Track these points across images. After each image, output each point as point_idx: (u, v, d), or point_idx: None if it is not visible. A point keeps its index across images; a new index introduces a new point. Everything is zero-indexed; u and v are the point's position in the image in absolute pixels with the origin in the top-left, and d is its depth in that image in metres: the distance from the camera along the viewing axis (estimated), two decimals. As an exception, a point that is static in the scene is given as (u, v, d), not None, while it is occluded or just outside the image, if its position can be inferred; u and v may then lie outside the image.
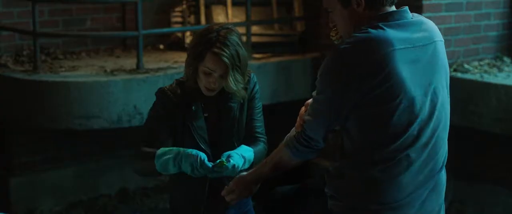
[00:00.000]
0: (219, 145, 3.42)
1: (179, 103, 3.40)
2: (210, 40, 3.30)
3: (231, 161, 3.25)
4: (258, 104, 3.56)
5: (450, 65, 6.35)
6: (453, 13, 6.34)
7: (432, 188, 2.78)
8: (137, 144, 3.44)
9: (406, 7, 2.78)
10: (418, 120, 2.66)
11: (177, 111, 3.41)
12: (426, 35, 2.74)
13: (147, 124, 3.50)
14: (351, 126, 2.68)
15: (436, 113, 2.71)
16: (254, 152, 3.40)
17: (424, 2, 6.01)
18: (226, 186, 3.16)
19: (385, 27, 2.66)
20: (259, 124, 3.54)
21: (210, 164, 3.24)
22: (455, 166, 6.45)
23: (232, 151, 3.34)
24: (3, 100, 6.01)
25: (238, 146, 3.44)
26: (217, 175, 3.26)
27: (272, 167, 2.98)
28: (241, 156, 3.33)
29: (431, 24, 2.82)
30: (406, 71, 2.61)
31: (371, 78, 2.58)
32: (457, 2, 6.36)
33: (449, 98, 2.84)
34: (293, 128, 2.91)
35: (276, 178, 3.08)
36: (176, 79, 3.50)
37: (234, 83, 3.30)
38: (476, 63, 6.51)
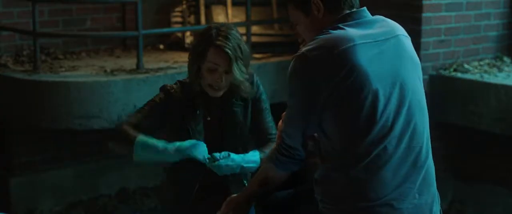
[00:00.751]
0: (221, 150, 3.42)
1: (181, 102, 3.41)
2: (211, 36, 3.34)
3: (222, 161, 3.32)
4: (266, 106, 3.57)
5: (450, 65, 6.35)
6: (453, 13, 6.34)
7: (421, 182, 2.78)
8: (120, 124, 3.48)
9: (365, 7, 2.82)
10: (388, 110, 2.67)
11: (177, 110, 3.42)
12: (387, 30, 2.78)
13: (139, 108, 3.51)
14: (325, 126, 2.70)
15: (407, 103, 2.72)
16: (262, 154, 3.42)
17: (424, 2, 6.00)
18: (218, 212, 3.13)
19: (344, 27, 2.71)
20: (271, 125, 3.56)
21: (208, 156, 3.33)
22: (455, 166, 6.46)
23: (235, 154, 3.38)
24: (3, 100, 6.01)
25: (243, 150, 3.48)
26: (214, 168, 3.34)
27: (259, 183, 2.99)
28: (241, 159, 3.38)
29: (392, 21, 2.85)
30: (369, 65, 2.64)
31: (335, 74, 2.61)
32: (457, 2, 6.37)
33: (423, 90, 2.85)
34: (274, 143, 2.95)
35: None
36: (179, 80, 3.51)
37: (239, 72, 3.32)
38: (476, 63, 6.52)
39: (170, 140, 3.41)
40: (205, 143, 3.41)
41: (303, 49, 2.69)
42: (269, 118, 3.57)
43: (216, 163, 3.33)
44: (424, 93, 2.85)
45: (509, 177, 6.26)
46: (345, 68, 2.61)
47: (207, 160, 3.34)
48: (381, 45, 2.72)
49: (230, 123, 3.47)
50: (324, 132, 2.72)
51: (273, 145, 3.40)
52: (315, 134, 2.79)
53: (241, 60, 3.34)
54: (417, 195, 2.76)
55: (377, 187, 2.69)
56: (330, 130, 2.70)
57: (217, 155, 3.35)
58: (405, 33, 2.86)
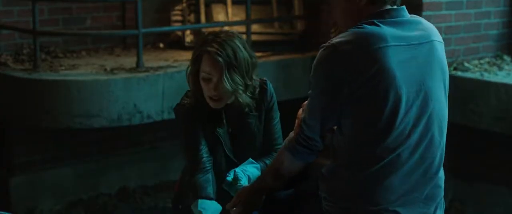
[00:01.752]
0: (242, 161, 3.37)
1: (200, 111, 3.33)
2: (206, 41, 3.24)
3: (240, 182, 3.23)
4: (276, 115, 3.48)
5: (450, 64, 6.34)
6: (453, 12, 6.34)
7: (429, 192, 2.75)
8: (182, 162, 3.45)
9: (404, 6, 2.77)
10: (407, 118, 2.63)
11: (201, 118, 3.33)
12: (422, 34, 2.73)
13: (184, 141, 3.39)
14: (344, 123, 2.67)
15: (428, 113, 2.68)
16: (263, 166, 3.36)
17: (424, 1, 6.01)
18: (228, 203, 3.13)
19: (380, 24, 2.65)
20: (278, 135, 3.46)
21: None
22: (455, 165, 6.45)
23: (237, 168, 3.30)
24: (2, 99, 6.00)
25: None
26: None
27: (274, 174, 2.96)
28: (245, 174, 3.30)
29: (429, 24, 2.81)
30: (398, 69, 2.59)
31: (362, 72, 2.57)
32: (457, 1, 6.36)
33: (446, 101, 2.81)
34: (292, 132, 2.89)
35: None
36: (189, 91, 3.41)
37: (228, 82, 3.17)
38: (476, 61, 6.51)
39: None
40: (229, 153, 3.36)
41: (334, 40, 2.63)
42: (278, 128, 3.47)
43: (238, 184, 3.24)
44: (447, 105, 2.80)
45: (510, 176, 6.25)
46: (373, 68, 2.57)
47: (230, 181, 3.26)
48: (413, 50, 2.66)
49: (247, 134, 3.40)
50: (340, 127, 2.69)
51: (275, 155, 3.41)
52: (334, 127, 2.75)
53: (236, 69, 3.19)
54: (422, 204, 2.75)
55: (384, 192, 2.66)
56: (347, 127, 2.67)
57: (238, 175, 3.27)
58: (440, 39, 2.81)
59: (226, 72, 3.18)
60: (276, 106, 3.47)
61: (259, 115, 3.40)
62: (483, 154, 6.40)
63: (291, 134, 2.88)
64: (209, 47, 3.19)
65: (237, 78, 3.21)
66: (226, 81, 3.17)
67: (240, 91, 3.25)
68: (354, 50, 2.58)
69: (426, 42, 2.72)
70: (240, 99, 3.27)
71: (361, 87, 2.57)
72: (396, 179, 2.66)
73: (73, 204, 6.68)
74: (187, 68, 3.34)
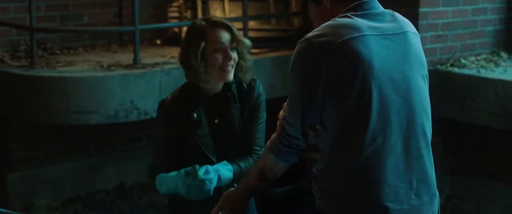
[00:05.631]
0: (225, 152, 3.37)
1: (182, 110, 3.35)
2: (201, 24, 3.34)
3: (208, 174, 3.22)
4: (262, 115, 3.46)
5: (447, 60, 6.35)
6: (450, 8, 6.34)
7: (419, 183, 2.72)
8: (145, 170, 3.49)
9: None
10: (387, 107, 2.62)
11: (180, 118, 3.35)
12: (396, 25, 2.73)
13: (155, 146, 3.48)
14: (325, 117, 2.65)
15: (409, 101, 2.67)
16: (237, 169, 3.35)
17: (421, -3, 6.02)
18: (214, 208, 3.07)
19: (353, 16, 2.66)
20: (259, 135, 3.44)
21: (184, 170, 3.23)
22: (452, 161, 6.46)
23: (209, 166, 3.28)
24: (0, 95, 6.00)
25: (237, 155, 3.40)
26: (192, 190, 3.23)
27: (258, 175, 2.93)
28: (217, 173, 3.28)
29: (401, 17, 2.80)
30: (374, 58, 2.59)
31: (339, 63, 2.56)
32: (454, -3, 6.37)
33: (427, 89, 2.80)
34: (274, 133, 2.87)
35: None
36: (182, 86, 3.44)
37: (242, 40, 3.34)
38: (473, 58, 6.52)
39: (178, 147, 3.38)
40: (215, 146, 3.37)
41: (309, 34, 2.64)
42: (261, 129, 3.45)
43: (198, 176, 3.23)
44: (428, 94, 2.79)
45: (506, 172, 6.26)
46: (349, 58, 2.56)
47: (188, 172, 3.24)
48: (388, 40, 2.67)
49: (230, 126, 3.40)
50: (323, 123, 2.68)
51: (249, 159, 3.38)
52: (317, 126, 2.74)
53: (238, 35, 3.35)
54: (414, 196, 2.71)
55: (372, 185, 2.64)
56: (329, 121, 2.65)
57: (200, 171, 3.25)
58: (415, 30, 2.81)
59: (236, 34, 3.32)
60: (263, 106, 3.46)
61: (242, 109, 3.40)
62: (480, 150, 6.41)
63: (274, 135, 2.87)
64: (211, 21, 3.34)
65: (243, 41, 3.35)
66: (244, 40, 3.34)
67: (241, 62, 3.36)
68: (329, 42, 2.58)
69: (400, 32, 2.72)
70: (246, 75, 3.38)
71: (338, 78, 2.57)
72: (382, 172, 2.63)
73: (70, 200, 6.68)
74: (185, 54, 3.37)
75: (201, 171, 3.23)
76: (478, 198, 6.45)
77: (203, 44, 3.29)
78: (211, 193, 3.26)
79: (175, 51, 6.72)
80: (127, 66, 5.99)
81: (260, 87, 3.45)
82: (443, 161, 6.26)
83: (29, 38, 6.11)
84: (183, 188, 3.25)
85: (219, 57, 3.30)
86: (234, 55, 3.32)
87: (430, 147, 2.78)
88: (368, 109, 2.59)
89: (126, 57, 6.39)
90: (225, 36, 3.30)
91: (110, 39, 7.28)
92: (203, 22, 3.34)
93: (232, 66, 3.33)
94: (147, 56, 6.46)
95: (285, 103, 2.80)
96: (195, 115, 3.35)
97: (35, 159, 6.60)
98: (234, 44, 3.33)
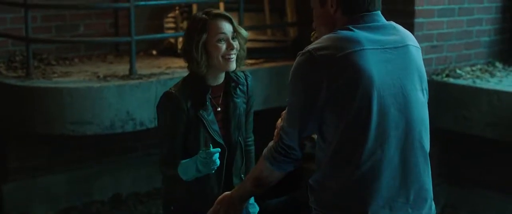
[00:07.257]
0: (228, 139, 3.50)
1: (188, 101, 3.42)
2: (202, 17, 3.43)
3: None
4: (252, 110, 3.65)
5: (443, 71, 6.37)
6: (445, 19, 6.36)
7: (415, 197, 2.72)
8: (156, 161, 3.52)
9: (378, 11, 2.77)
10: (386, 121, 2.63)
11: (186, 107, 3.42)
12: (397, 39, 2.73)
13: (165, 137, 3.49)
14: (324, 129, 2.66)
15: (408, 115, 2.67)
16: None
17: (416, 8, 6.02)
18: (208, 211, 3.10)
19: (354, 29, 2.67)
20: (251, 125, 3.67)
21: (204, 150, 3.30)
22: (448, 170, 6.47)
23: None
24: (-4, 106, 6.00)
25: (242, 142, 3.56)
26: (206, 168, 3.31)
27: (253, 181, 2.94)
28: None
29: (404, 29, 2.81)
30: (374, 72, 2.59)
31: (339, 76, 2.57)
32: (450, 8, 6.39)
33: (426, 103, 2.80)
34: (272, 141, 2.88)
35: (270, 190, 3.04)
36: (184, 78, 3.52)
37: (241, 31, 3.49)
38: (468, 68, 6.54)
39: (189, 137, 3.44)
40: (219, 133, 3.47)
41: (309, 47, 2.66)
42: (251, 122, 3.67)
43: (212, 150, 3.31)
44: (426, 107, 2.80)
45: (502, 181, 6.27)
46: (350, 71, 2.57)
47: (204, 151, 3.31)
48: (389, 54, 2.67)
49: (235, 112, 3.53)
50: (322, 135, 2.68)
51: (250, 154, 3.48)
52: (314, 136, 2.75)
53: (238, 26, 3.50)
54: (410, 210, 2.72)
55: (368, 198, 2.64)
56: (328, 133, 2.66)
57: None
58: (416, 44, 2.81)
59: (235, 25, 3.47)
60: (253, 100, 3.65)
61: (244, 97, 3.58)
62: (475, 159, 6.42)
63: (271, 144, 2.88)
64: (212, 13, 3.44)
65: (241, 32, 3.50)
66: (241, 31, 3.49)
67: (242, 52, 3.50)
68: (330, 55, 2.60)
69: (401, 46, 2.73)
70: (243, 63, 3.52)
71: (337, 91, 2.58)
72: (379, 184, 2.64)
73: (66, 211, 6.67)
74: (188, 47, 3.44)
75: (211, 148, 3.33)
76: (474, 208, 6.46)
77: (205, 36, 3.41)
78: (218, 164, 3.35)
79: (171, 62, 6.73)
80: (123, 77, 5.99)
81: (251, 81, 3.64)
82: (439, 171, 6.27)
83: (25, 48, 6.12)
84: (201, 166, 3.33)
85: (223, 46, 3.42)
86: (236, 44, 3.46)
87: (429, 160, 2.79)
88: (367, 122, 2.60)
89: (122, 67, 6.40)
90: (227, 27, 3.44)
91: (106, 49, 7.28)
92: (204, 15, 3.44)
93: (235, 55, 3.46)
94: (143, 66, 6.46)
95: (284, 112, 2.80)
96: (202, 102, 3.44)
97: (31, 169, 6.60)
98: (235, 34, 3.47)
